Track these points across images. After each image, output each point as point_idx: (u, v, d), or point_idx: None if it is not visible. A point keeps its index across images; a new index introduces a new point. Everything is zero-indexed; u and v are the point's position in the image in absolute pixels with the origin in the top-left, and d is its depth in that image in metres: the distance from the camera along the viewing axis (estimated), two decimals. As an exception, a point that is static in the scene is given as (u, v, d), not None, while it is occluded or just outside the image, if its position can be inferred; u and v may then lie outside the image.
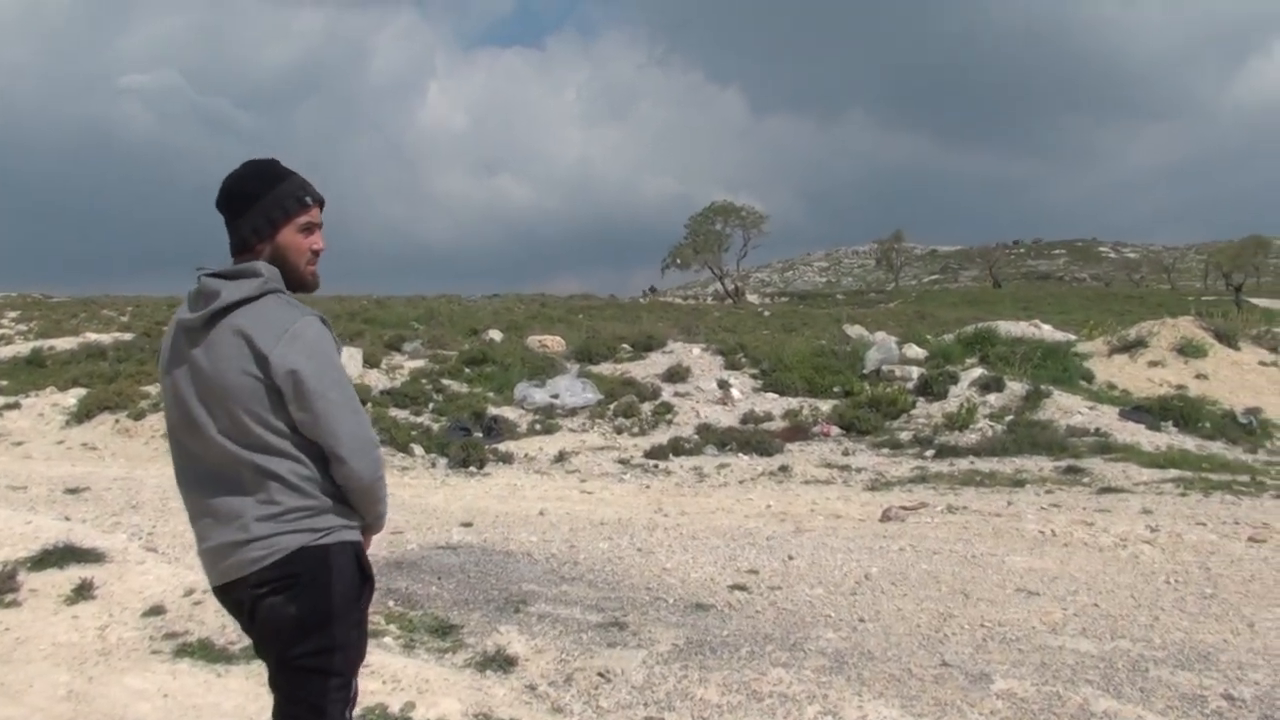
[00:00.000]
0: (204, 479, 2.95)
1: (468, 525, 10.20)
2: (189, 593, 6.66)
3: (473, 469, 14.77)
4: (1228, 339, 22.42)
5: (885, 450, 15.93)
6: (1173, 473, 13.31)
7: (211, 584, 3.03)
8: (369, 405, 17.86)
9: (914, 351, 21.25)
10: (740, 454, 15.70)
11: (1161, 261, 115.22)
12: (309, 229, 3.03)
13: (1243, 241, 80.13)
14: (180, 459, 3.03)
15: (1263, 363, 21.79)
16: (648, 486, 13.42)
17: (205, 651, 5.81)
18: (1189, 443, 15.63)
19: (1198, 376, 20.31)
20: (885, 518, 10.64)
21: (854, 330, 27.23)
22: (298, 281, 3.03)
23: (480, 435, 16.80)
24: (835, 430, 17.05)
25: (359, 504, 2.99)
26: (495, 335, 26.33)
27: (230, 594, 2.97)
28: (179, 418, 2.97)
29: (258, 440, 2.84)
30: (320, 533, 2.89)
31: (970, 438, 16.07)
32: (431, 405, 18.64)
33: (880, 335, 24.44)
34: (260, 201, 2.96)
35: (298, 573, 2.86)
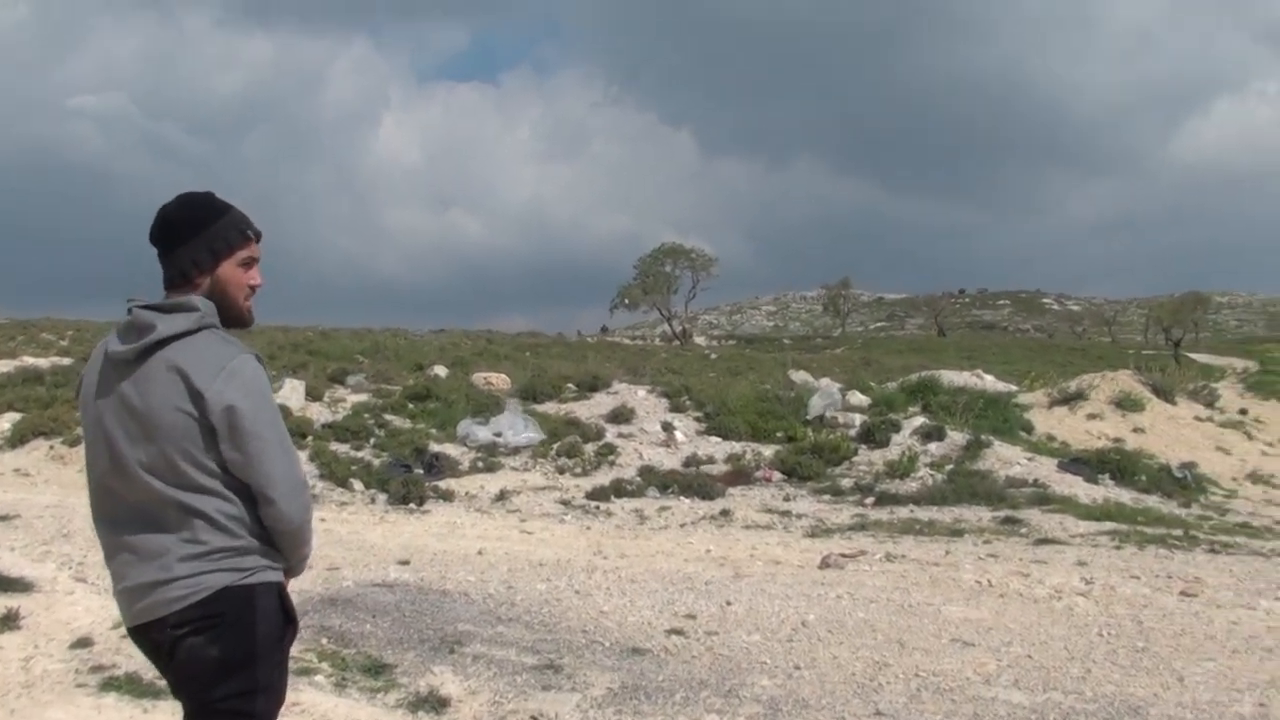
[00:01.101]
0: (124, 515, 2.89)
1: (405, 563, 10.11)
2: (117, 625, 6.53)
3: (412, 506, 14.65)
4: (1165, 394, 22.79)
5: (826, 497, 15.98)
6: (1108, 525, 13.45)
7: (127, 625, 2.97)
8: (310, 438, 17.69)
9: (858, 399, 21.39)
10: (682, 497, 15.69)
11: (1103, 314, 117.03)
12: (248, 263, 3.00)
13: (1182, 297, 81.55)
14: (99, 494, 2.97)
15: (1198, 418, 22.15)
16: (588, 528, 13.38)
17: (132, 686, 5.71)
18: (1125, 496, 15.81)
19: (1135, 430, 20.60)
20: (824, 565, 10.66)
21: (799, 376, 27.34)
22: (234, 317, 3.00)
23: (421, 472, 16.68)
24: (777, 475, 17.09)
25: (285, 547, 2.95)
26: (440, 371, 26.20)
27: (148, 635, 2.91)
28: (102, 453, 2.91)
29: (186, 478, 2.79)
30: (245, 572, 2.85)
31: (911, 486, 16.16)
32: (373, 440, 18.49)
33: (825, 381, 24.57)
34: (201, 233, 2.92)
35: (221, 613, 2.81)
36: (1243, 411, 23.57)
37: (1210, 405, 23.38)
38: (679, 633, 7.59)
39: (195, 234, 2.92)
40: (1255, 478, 19.17)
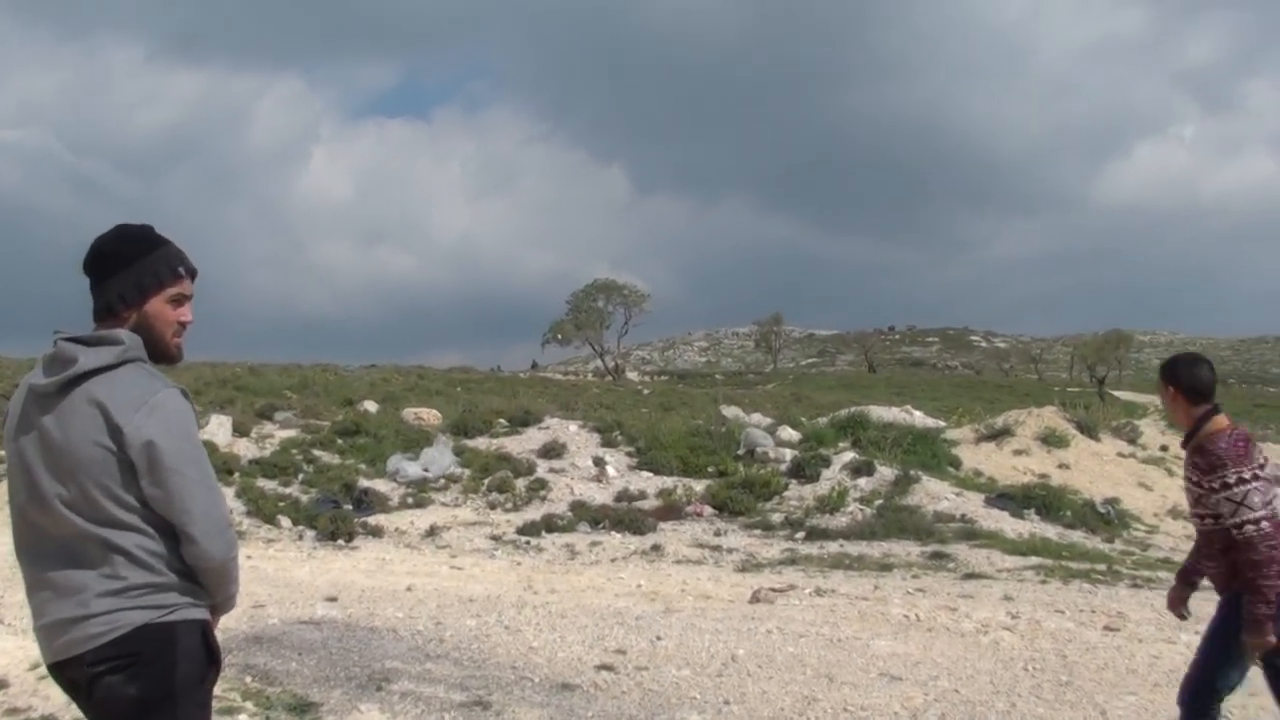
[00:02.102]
0: (46, 551, 2.84)
1: (332, 600, 10.00)
2: (34, 666, 6.40)
3: (341, 542, 14.51)
4: (1089, 430, 23.12)
5: (757, 531, 16.03)
6: (1034, 560, 13.61)
7: (46, 662, 2.91)
8: (237, 475, 17.48)
9: (788, 433, 21.50)
10: (613, 532, 15.66)
11: (1030, 352, 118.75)
12: (179, 300, 2.97)
13: (1106, 336, 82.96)
14: (21, 529, 2.92)
15: (1121, 454, 22.48)
16: (519, 563, 13.31)
17: (47, 729, 5.59)
18: (1050, 531, 16.01)
19: (1060, 466, 20.88)
20: (754, 599, 10.69)
21: (730, 411, 27.46)
22: (161, 352, 2.96)
23: (350, 508, 16.52)
24: (708, 510, 17.12)
25: (209, 584, 2.91)
26: (370, 406, 26.02)
27: (65, 672, 2.85)
28: (23, 487, 2.87)
29: (105, 514, 2.75)
30: (165, 610, 2.80)
31: (840, 521, 16.26)
32: (301, 476, 18.30)
33: (756, 416, 24.70)
34: (132, 267, 2.89)
35: (139, 651, 2.76)
36: (1163, 448, 23.92)
37: (1133, 442, 23.75)
38: (609, 668, 7.56)
39: (125, 267, 2.89)
40: (1176, 513, 19.47)
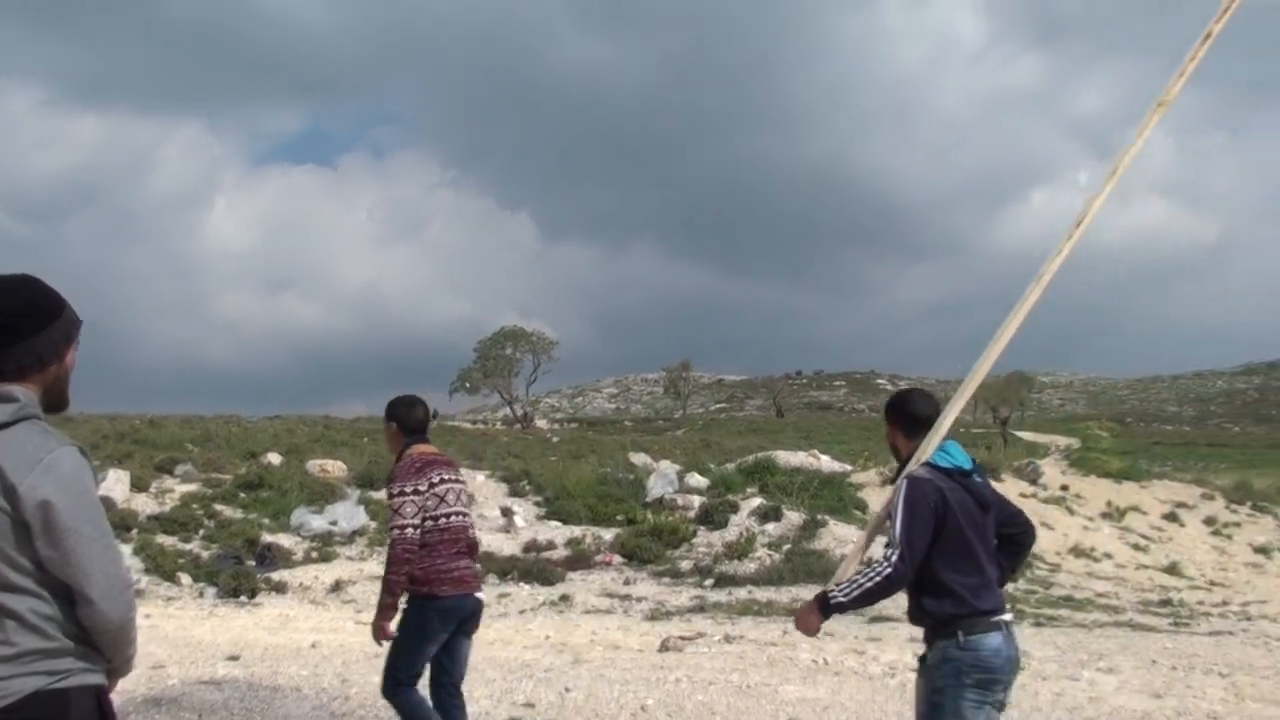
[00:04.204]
0: None
1: (234, 658, 9.80)
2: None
3: (243, 599, 14.23)
4: (991, 471, 23.53)
5: (666, 579, 16.04)
6: (939, 601, 13.78)
7: None
8: (135, 531, 17.09)
9: (697, 480, 21.60)
10: (521, 583, 15.57)
11: (934, 394, 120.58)
12: (75, 348, 2.96)
13: (1007, 377, 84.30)
14: None
15: (1023, 494, 22.93)
16: (427, 616, 13.15)
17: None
18: (955, 571, 16.23)
19: (964, 507, 21.21)
20: (663, 648, 10.69)
21: (639, 458, 27.52)
22: (63, 402, 2.94)
23: (253, 563, 16.22)
24: (617, 559, 17.11)
25: (106, 647, 2.84)
26: (274, 459, 25.59)
27: (-45, 742, 2.78)
28: None
29: None
30: (58, 675, 2.74)
31: (749, 567, 16.34)
32: (202, 532, 17.93)
33: (664, 464, 24.76)
34: (53, 325, 2.86)
35: (32, 718, 2.70)
36: (1064, 488, 24.48)
37: (1034, 482, 24.26)
38: (517, 722, 7.51)
39: (44, 328, 2.85)
40: (1077, 551, 19.91)
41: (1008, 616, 4.12)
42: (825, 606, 4.03)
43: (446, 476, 5.66)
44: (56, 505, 2.69)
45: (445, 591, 5.45)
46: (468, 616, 5.61)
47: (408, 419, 5.80)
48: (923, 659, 4.17)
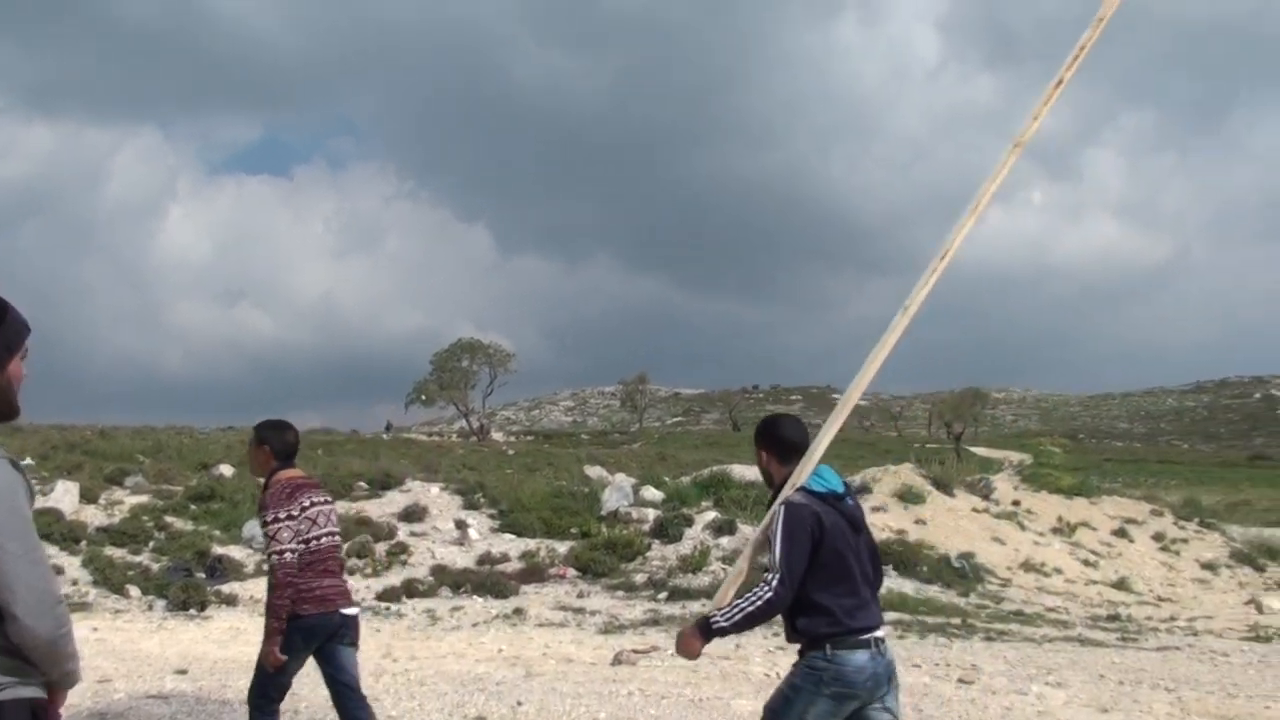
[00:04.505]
0: None
1: (183, 672, 9.72)
2: None
3: (193, 612, 14.10)
4: (944, 486, 23.70)
5: (620, 593, 16.04)
6: (891, 615, 13.85)
7: None
8: (83, 544, 16.88)
9: (651, 493, 21.59)
10: (475, 596, 15.52)
11: (890, 409, 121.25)
12: (24, 356, 2.92)
13: (962, 393, 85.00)
14: None
15: (976, 509, 23.07)
16: (378, 630, 13.09)
17: None
18: (908, 586, 16.34)
19: (917, 522, 21.33)
20: (616, 661, 10.68)
21: (594, 471, 27.50)
22: (11, 411, 2.90)
23: (203, 576, 16.07)
24: (571, 572, 17.08)
25: (40, 662, 2.81)
26: (227, 470, 25.36)
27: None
28: None
29: None
30: (-11, 689, 2.71)
31: (703, 580, 16.34)
32: (152, 544, 17.73)
33: (619, 477, 24.73)
34: None
35: (-35, 733, 2.67)
36: (1015, 503, 24.63)
37: (986, 497, 24.39)
38: (467, 736, 7.48)
39: None
40: (1028, 566, 20.05)
41: (880, 633, 4.28)
42: (707, 631, 4.15)
43: (316, 500, 5.83)
44: None
45: (307, 610, 5.59)
46: (335, 631, 5.74)
47: (279, 444, 5.90)
48: (796, 661, 4.31)
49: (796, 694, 4.17)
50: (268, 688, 5.71)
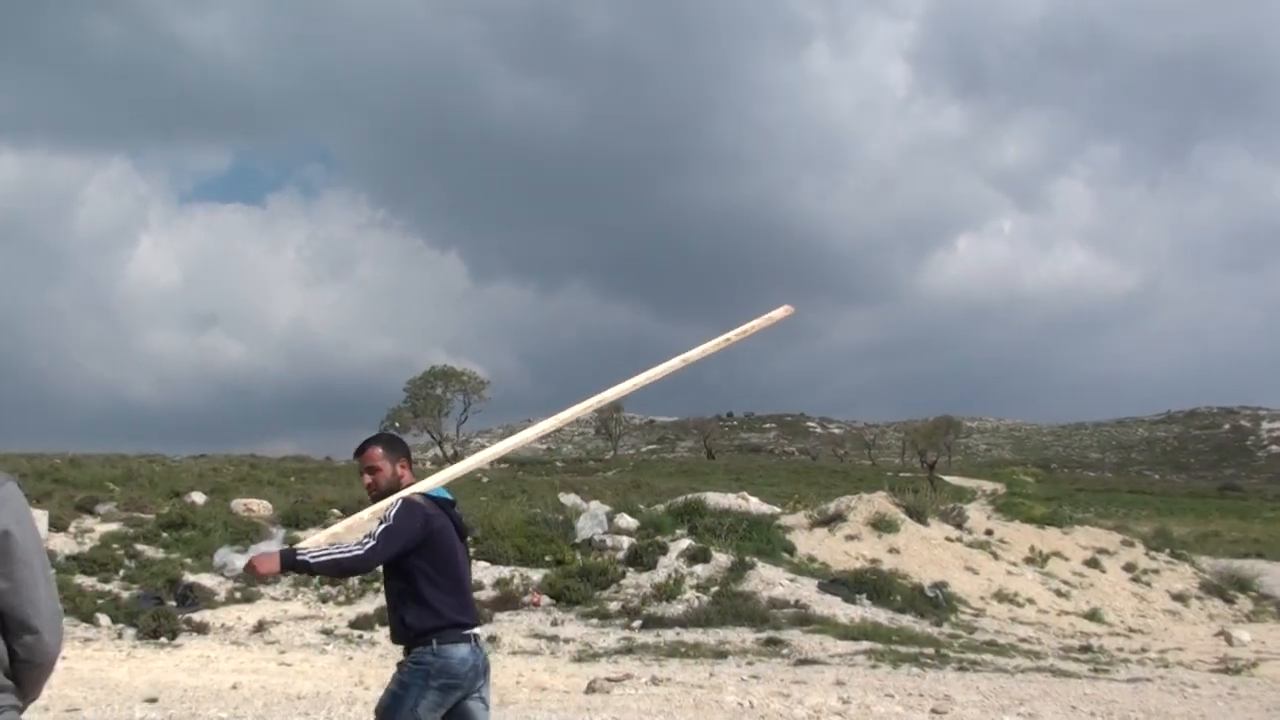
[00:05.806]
0: None
1: (152, 701, 9.64)
2: None
3: (164, 640, 13.98)
4: (918, 515, 23.76)
5: (594, 621, 15.99)
6: (865, 645, 13.87)
7: None
8: (52, 572, 16.72)
9: (626, 521, 21.55)
10: (449, 624, 15.43)
11: (863, 438, 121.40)
12: None
13: (935, 421, 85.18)
14: None
15: (949, 538, 23.14)
16: (351, 658, 13.03)
17: None
18: (881, 615, 16.35)
19: (891, 550, 21.38)
20: (590, 689, 10.66)
21: (568, 499, 27.43)
22: None
23: (174, 604, 15.95)
24: (545, 600, 17.02)
25: (34, 678, 2.81)
26: (198, 498, 25.21)
27: None
28: None
29: None
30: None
31: (677, 608, 16.32)
32: (123, 572, 17.60)
33: (593, 504, 24.67)
34: None
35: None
36: (989, 532, 24.72)
37: (960, 526, 24.47)
38: (440, 765, 7.44)
39: None
40: (1001, 596, 20.12)
41: (479, 631, 4.63)
42: (291, 561, 4.22)
43: None
44: (15, 536, 2.67)
45: None
46: None
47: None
48: (400, 663, 4.54)
49: (406, 690, 4.39)
50: None
